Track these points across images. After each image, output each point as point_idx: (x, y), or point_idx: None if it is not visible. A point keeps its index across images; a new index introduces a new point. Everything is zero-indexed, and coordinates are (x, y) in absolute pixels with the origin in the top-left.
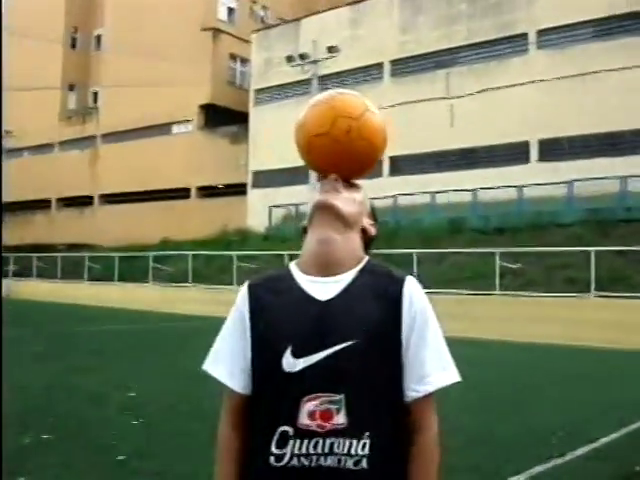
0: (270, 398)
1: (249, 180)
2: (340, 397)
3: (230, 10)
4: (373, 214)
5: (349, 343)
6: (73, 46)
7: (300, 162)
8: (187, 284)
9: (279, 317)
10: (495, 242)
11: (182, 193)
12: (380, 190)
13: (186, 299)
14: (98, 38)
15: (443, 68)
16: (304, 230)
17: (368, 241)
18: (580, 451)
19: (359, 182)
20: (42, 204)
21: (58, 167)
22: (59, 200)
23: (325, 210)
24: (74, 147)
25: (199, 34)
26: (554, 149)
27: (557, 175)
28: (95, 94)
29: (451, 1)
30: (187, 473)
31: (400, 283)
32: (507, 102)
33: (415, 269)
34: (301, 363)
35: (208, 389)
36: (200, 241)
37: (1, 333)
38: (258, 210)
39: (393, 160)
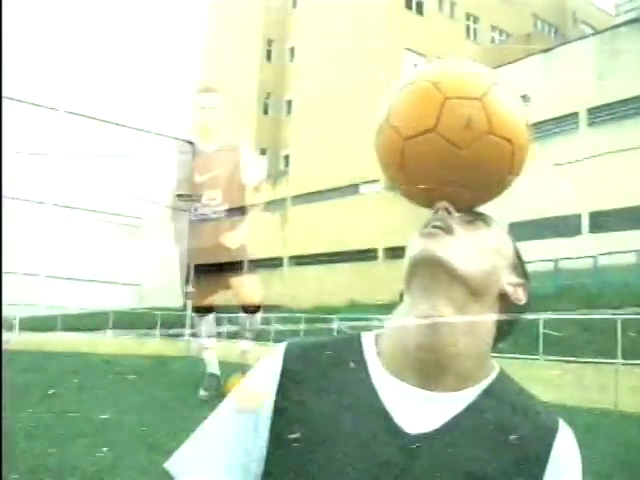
0: None
1: None
2: None
3: (416, 67)
4: (522, 267)
5: None
6: (265, 112)
7: None
8: None
9: (328, 424)
10: None
11: (369, 254)
12: (578, 250)
13: None
14: (289, 103)
15: None
16: (401, 298)
17: (512, 312)
18: None
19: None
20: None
21: (250, 230)
22: (250, 262)
23: (429, 268)
24: (265, 209)
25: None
26: None
27: None
28: (286, 157)
29: None
30: None
31: (549, 437)
32: None
33: (618, 338)
34: None
35: None
36: (387, 304)
37: (0, 335)
38: None
39: (593, 215)
